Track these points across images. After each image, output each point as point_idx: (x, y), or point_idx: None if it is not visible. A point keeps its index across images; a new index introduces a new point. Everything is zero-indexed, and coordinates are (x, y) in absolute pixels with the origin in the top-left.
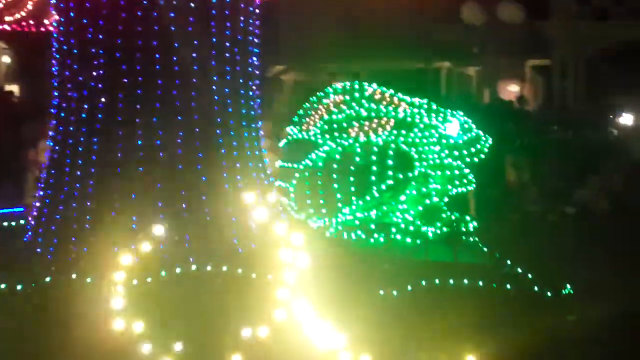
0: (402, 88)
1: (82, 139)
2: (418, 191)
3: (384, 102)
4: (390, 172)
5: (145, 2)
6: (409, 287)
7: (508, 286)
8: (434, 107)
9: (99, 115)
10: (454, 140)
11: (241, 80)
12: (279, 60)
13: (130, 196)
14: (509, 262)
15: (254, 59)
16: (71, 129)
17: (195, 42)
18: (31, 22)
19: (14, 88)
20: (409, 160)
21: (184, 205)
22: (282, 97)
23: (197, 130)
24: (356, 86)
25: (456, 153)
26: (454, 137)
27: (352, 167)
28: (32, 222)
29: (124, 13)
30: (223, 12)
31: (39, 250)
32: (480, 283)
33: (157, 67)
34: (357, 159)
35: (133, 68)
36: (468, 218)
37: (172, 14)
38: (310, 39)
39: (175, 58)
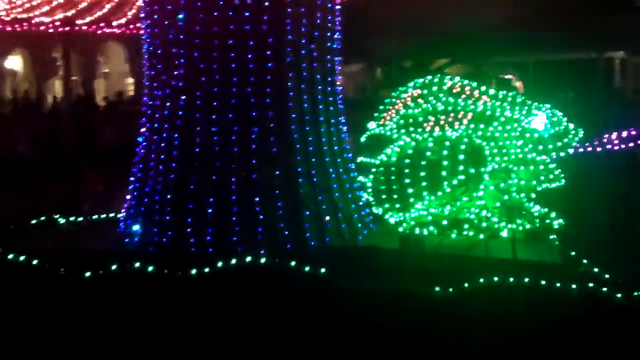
0: (570, 79)
1: (165, 135)
2: (496, 187)
3: (463, 96)
4: (461, 167)
5: (221, 2)
6: (466, 285)
7: (573, 286)
8: (519, 100)
9: (180, 113)
10: (539, 134)
11: (318, 77)
12: (444, 52)
13: (206, 189)
14: (585, 261)
15: (334, 55)
16: (156, 125)
17: (270, 40)
18: (138, 25)
19: None
20: (481, 155)
21: (256, 199)
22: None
23: (272, 125)
24: (435, 80)
25: (541, 147)
26: (540, 131)
27: (423, 162)
28: (124, 214)
29: (201, 14)
30: (298, 10)
31: (126, 240)
32: (543, 282)
33: (233, 65)
34: (429, 153)
35: (210, 67)
36: (553, 215)
37: (246, 13)
38: (477, 31)
39: (250, 56)
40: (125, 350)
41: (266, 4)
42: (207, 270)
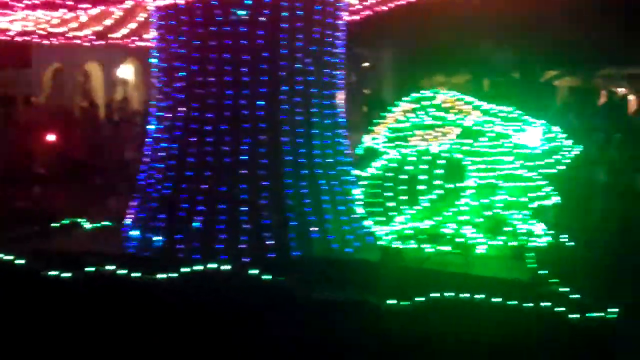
0: None
1: (164, 145)
2: (479, 202)
3: (453, 111)
4: (438, 182)
5: (219, 18)
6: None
7: (527, 305)
8: (513, 115)
9: (178, 124)
10: (530, 150)
11: (314, 90)
12: (552, 64)
13: (196, 199)
14: (555, 280)
15: (334, 69)
16: (158, 136)
17: (265, 54)
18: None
19: None
20: (460, 170)
21: (244, 209)
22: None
23: (263, 137)
24: (428, 94)
25: (530, 163)
26: (531, 147)
27: (403, 176)
28: (129, 219)
29: (199, 28)
30: (294, 25)
31: (127, 244)
32: (496, 299)
33: (228, 78)
34: (409, 167)
35: (206, 80)
36: (541, 232)
37: (242, 28)
38: (588, 42)
39: (245, 69)
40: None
41: (262, 19)
42: (174, 275)
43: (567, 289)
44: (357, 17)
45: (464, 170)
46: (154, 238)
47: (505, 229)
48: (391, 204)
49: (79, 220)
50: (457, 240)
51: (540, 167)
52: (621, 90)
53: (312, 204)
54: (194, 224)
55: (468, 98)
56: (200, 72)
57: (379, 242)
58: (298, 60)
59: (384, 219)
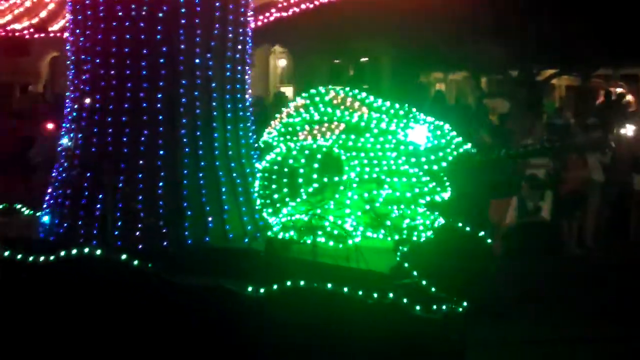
0: None
1: (72, 135)
2: (360, 196)
3: (342, 107)
4: (315, 176)
5: (120, 13)
6: (275, 286)
7: (375, 295)
8: (401, 112)
9: (83, 115)
10: (414, 147)
11: (214, 85)
12: (551, 64)
13: (99, 189)
14: (415, 273)
15: (237, 64)
16: (67, 125)
17: (164, 48)
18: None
19: (289, 90)
20: (338, 165)
21: (140, 198)
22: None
23: (161, 129)
24: (322, 90)
25: (413, 160)
26: (416, 144)
27: (286, 169)
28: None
29: (102, 23)
30: (193, 21)
31: (39, 229)
32: (345, 289)
33: (127, 71)
34: (292, 161)
35: (108, 72)
36: (421, 227)
37: (141, 24)
38: (585, 42)
39: (144, 63)
40: None
41: (160, 15)
42: (52, 258)
43: (424, 282)
44: (285, 14)
45: (341, 164)
46: (60, 223)
47: (388, 223)
48: (276, 196)
49: (17, 206)
50: (335, 232)
51: (422, 164)
52: (619, 90)
53: (210, 195)
54: (94, 212)
55: (361, 95)
56: (102, 65)
57: (268, 233)
58: (197, 55)
59: (271, 210)
